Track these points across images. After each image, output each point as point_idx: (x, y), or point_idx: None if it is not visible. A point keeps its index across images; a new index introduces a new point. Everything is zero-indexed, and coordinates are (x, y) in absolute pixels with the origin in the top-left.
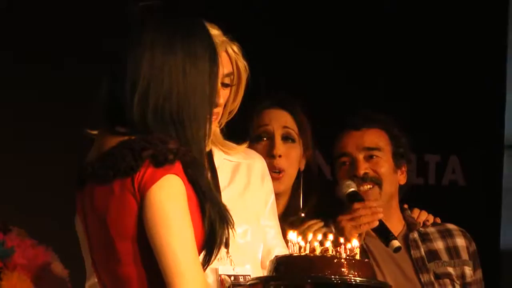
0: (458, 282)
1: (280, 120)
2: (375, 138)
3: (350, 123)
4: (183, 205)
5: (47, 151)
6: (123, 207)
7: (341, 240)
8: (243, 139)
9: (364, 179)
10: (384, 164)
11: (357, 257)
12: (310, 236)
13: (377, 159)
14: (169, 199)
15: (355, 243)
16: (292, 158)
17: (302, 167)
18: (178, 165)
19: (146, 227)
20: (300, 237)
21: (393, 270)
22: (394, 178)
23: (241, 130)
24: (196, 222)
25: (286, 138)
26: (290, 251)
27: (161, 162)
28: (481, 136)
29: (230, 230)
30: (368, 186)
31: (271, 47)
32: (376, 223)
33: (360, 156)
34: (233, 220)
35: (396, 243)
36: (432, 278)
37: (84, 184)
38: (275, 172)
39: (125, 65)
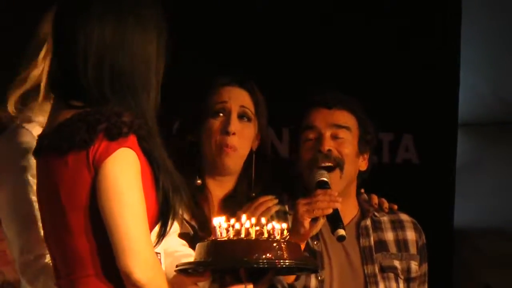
0: (402, 276)
1: (238, 99)
2: (345, 118)
3: (322, 101)
4: (136, 179)
5: None
6: (77, 179)
7: (274, 223)
8: (201, 112)
9: (327, 156)
10: (349, 146)
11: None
12: (243, 218)
13: (342, 140)
14: (123, 173)
15: (283, 225)
16: (245, 136)
17: (255, 148)
18: (132, 138)
19: (99, 200)
20: (232, 220)
21: (341, 258)
22: (356, 162)
23: (198, 104)
24: (150, 194)
25: (242, 116)
26: (218, 234)
27: (115, 136)
28: (434, 114)
29: (183, 199)
30: (330, 164)
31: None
32: (330, 211)
33: (328, 133)
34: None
35: (341, 231)
36: (377, 270)
37: (40, 155)
38: (227, 147)
39: (76, 38)
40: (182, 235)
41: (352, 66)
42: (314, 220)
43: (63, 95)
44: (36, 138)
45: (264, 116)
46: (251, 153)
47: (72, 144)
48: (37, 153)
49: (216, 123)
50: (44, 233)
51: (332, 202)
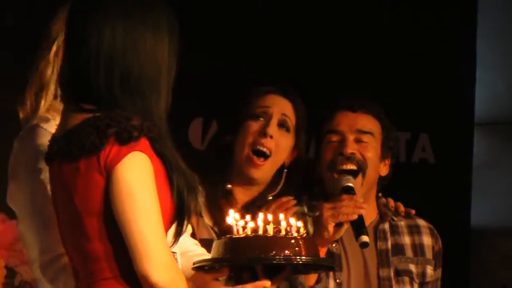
0: (417, 280)
1: (281, 107)
2: (369, 123)
3: (347, 104)
4: (149, 182)
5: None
6: (90, 184)
7: (291, 219)
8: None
9: (350, 158)
10: (372, 150)
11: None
12: (260, 215)
13: (366, 144)
14: (135, 177)
15: (298, 224)
16: (281, 145)
17: (288, 163)
18: (143, 141)
19: (113, 206)
20: (248, 217)
21: (358, 261)
22: (377, 167)
23: (237, 106)
24: (165, 195)
25: (282, 125)
26: (235, 231)
27: (125, 140)
28: (451, 113)
29: (198, 198)
30: (352, 167)
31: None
32: (355, 217)
33: (351, 137)
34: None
35: (365, 238)
36: (392, 274)
37: (52, 161)
38: (259, 155)
39: (88, 39)
40: (205, 241)
41: (368, 66)
42: (338, 225)
43: (74, 97)
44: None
45: (303, 134)
46: (282, 167)
47: (83, 149)
48: (48, 158)
49: (255, 125)
50: (62, 238)
51: (357, 208)
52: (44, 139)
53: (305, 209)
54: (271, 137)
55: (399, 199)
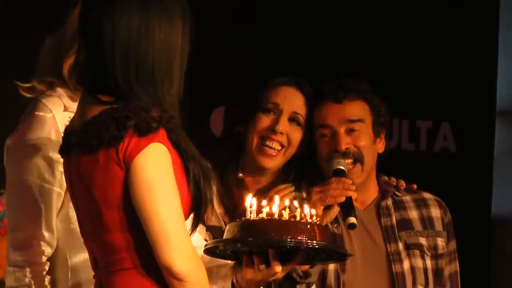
0: (429, 253)
1: (292, 102)
2: (358, 109)
3: (331, 95)
4: (168, 173)
5: None
6: (109, 176)
7: (306, 207)
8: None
9: (345, 154)
10: (365, 137)
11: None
12: (276, 199)
13: (357, 133)
14: (155, 168)
15: (312, 211)
16: (293, 139)
17: (299, 153)
18: (162, 132)
19: (133, 197)
20: (265, 202)
21: (363, 239)
22: (373, 149)
23: (249, 97)
24: (182, 185)
25: (293, 119)
26: (249, 214)
27: (144, 131)
28: (473, 102)
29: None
30: (349, 161)
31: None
32: (343, 199)
33: (342, 130)
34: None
35: (351, 219)
36: (400, 248)
37: (69, 153)
38: (271, 147)
39: (102, 30)
40: (213, 228)
41: (390, 55)
42: (327, 207)
43: (90, 88)
44: (51, 110)
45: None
46: (294, 157)
47: (102, 141)
48: (64, 150)
49: (266, 120)
50: (81, 229)
51: (345, 190)
52: (42, 112)
53: (304, 195)
54: (281, 133)
55: (420, 187)
